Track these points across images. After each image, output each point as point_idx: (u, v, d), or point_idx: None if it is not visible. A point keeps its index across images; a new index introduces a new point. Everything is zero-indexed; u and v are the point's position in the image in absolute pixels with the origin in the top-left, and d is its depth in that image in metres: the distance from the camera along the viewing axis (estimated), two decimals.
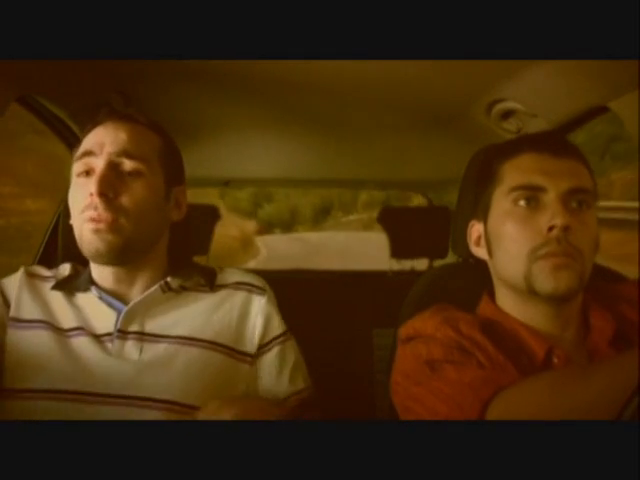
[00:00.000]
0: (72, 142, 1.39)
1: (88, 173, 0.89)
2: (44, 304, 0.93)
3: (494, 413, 0.64)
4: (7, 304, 0.92)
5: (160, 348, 0.89)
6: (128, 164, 0.88)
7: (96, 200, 0.85)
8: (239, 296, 0.97)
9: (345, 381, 1.48)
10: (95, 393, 0.84)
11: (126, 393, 0.85)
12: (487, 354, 0.77)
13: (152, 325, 0.91)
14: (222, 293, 0.97)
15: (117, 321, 0.90)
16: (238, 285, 0.99)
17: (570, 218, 0.76)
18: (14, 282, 0.95)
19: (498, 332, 0.81)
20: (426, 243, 1.87)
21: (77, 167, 0.90)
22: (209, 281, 0.98)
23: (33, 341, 0.88)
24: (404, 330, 0.86)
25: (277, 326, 0.98)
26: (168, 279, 0.94)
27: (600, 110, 1.09)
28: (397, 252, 1.87)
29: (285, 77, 1.16)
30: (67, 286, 0.95)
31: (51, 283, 0.95)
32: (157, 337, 0.90)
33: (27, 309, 0.91)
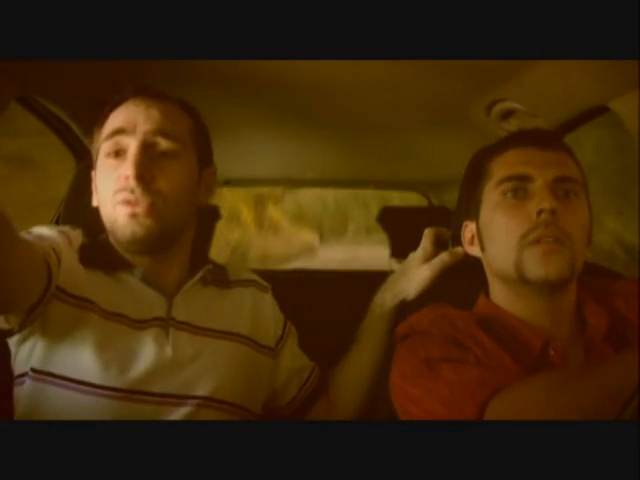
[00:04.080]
0: (72, 142, 1.39)
1: (118, 153, 0.84)
2: (89, 279, 0.85)
3: (492, 415, 0.65)
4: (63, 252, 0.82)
5: (205, 341, 0.87)
6: (163, 144, 0.84)
7: (132, 183, 0.80)
8: (250, 293, 0.99)
9: None
10: (151, 393, 0.80)
11: (184, 392, 0.82)
12: (484, 348, 0.77)
13: (195, 316, 0.89)
14: (236, 289, 0.98)
15: (169, 308, 0.86)
16: (246, 282, 1.00)
17: (558, 203, 0.77)
18: (75, 242, 0.87)
19: (494, 327, 0.81)
20: None
21: (106, 147, 0.85)
22: (225, 277, 0.98)
23: (80, 324, 0.81)
24: (401, 328, 0.86)
25: (282, 317, 1.02)
26: (210, 266, 0.93)
27: (600, 110, 1.09)
28: (397, 252, 1.86)
29: (285, 77, 1.16)
30: (102, 263, 0.87)
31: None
32: (201, 329, 0.88)
33: (75, 282, 0.83)
